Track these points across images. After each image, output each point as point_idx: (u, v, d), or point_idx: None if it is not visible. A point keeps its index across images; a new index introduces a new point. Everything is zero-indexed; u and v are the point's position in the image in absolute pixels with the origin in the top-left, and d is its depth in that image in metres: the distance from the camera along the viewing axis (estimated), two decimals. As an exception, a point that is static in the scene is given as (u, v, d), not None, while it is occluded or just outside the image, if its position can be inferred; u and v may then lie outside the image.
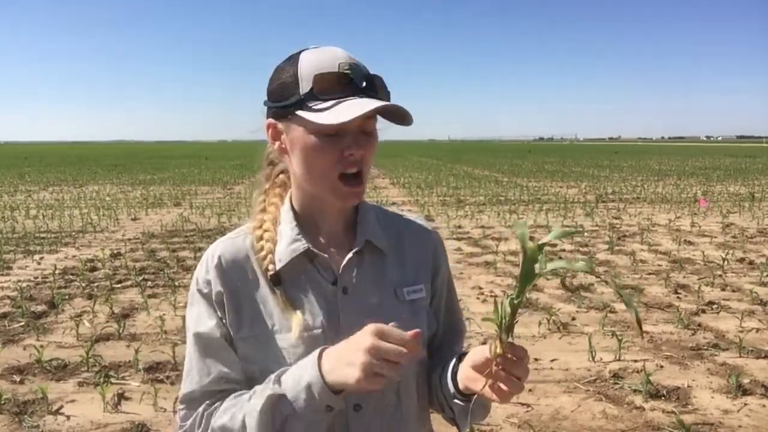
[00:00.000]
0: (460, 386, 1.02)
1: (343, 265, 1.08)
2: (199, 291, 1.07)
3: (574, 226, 10.01)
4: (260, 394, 0.98)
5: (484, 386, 0.94)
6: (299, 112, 0.99)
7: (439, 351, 1.17)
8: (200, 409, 1.03)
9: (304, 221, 1.10)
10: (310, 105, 0.98)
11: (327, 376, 0.92)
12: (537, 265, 0.95)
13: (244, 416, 0.97)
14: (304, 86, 0.99)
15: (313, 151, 1.00)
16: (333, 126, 0.96)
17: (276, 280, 1.05)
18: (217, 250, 1.09)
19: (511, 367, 0.93)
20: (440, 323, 1.20)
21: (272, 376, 0.99)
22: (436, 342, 1.19)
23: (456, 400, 1.06)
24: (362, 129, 1.01)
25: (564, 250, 8.01)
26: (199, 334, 1.06)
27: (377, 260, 1.12)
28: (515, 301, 0.93)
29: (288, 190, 1.14)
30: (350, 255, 1.08)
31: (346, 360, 0.89)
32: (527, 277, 0.93)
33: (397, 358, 0.88)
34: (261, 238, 1.09)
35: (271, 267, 1.05)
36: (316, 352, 0.95)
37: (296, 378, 0.94)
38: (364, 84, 0.99)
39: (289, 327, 1.03)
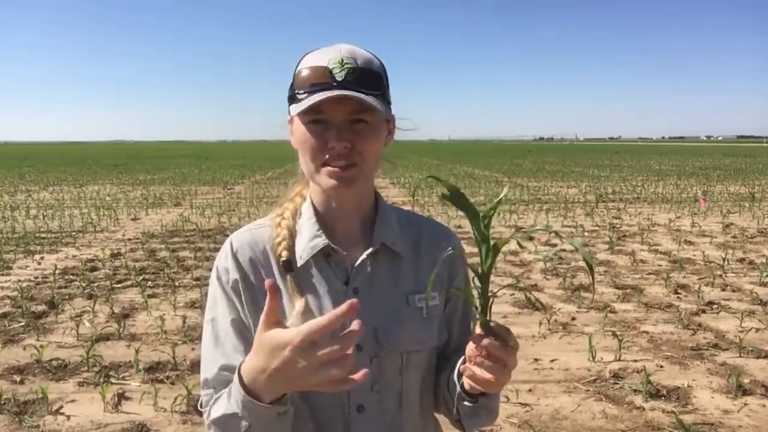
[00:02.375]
0: (465, 386, 1.01)
1: (356, 265, 1.08)
2: (218, 279, 1.08)
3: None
4: (223, 399, 0.97)
5: (472, 374, 0.93)
6: (291, 106, 1.03)
7: (451, 358, 1.15)
8: (211, 400, 1.03)
9: (321, 217, 1.10)
10: (297, 98, 1.01)
11: (260, 393, 0.88)
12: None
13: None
14: (293, 81, 1.04)
15: (304, 142, 1.03)
16: (308, 116, 1.00)
17: (287, 267, 1.06)
18: (236, 239, 1.10)
19: (493, 349, 0.91)
20: (454, 331, 1.18)
21: (234, 382, 0.96)
22: (449, 349, 1.17)
23: (464, 402, 1.04)
24: (354, 121, 1.01)
25: (564, 250, 8.01)
26: (214, 322, 1.07)
27: (392, 263, 1.11)
28: (482, 274, 0.90)
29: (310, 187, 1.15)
30: (364, 256, 1.08)
31: (305, 381, 0.83)
32: (483, 242, 0.90)
33: (346, 346, 0.81)
34: (279, 225, 1.10)
35: (284, 254, 1.06)
36: (237, 369, 0.92)
37: (234, 395, 0.92)
38: (344, 77, 0.98)
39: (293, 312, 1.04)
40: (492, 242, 0.90)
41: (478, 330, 0.92)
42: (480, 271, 0.90)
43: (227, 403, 0.94)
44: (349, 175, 1.01)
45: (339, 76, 0.98)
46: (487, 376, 0.91)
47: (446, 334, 1.16)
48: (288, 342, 0.82)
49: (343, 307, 0.81)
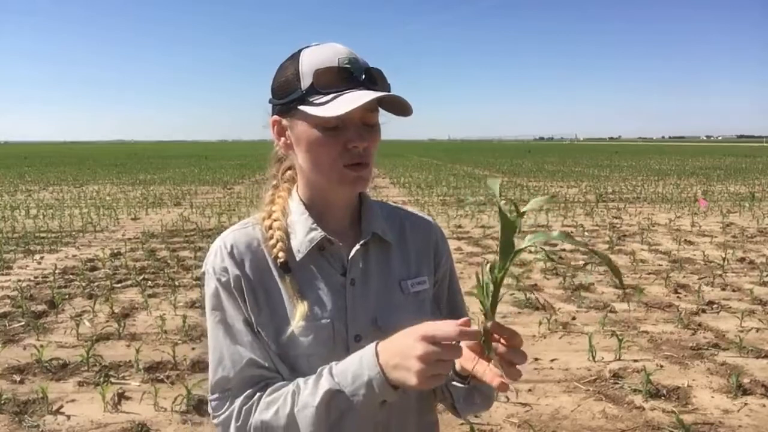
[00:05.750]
0: (457, 367, 1.04)
1: (351, 256, 1.09)
2: (218, 280, 1.07)
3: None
4: (312, 388, 0.97)
5: (480, 369, 0.94)
6: (301, 107, 1.01)
7: None
8: (237, 403, 1.02)
9: (312, 213, 1.12)
10: (311, 100, 1.00)
11: (388, 373, 0.93)
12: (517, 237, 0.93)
13: (292, 410, 0.97)
14: (305, 82, 1.01)
15: (318, 145, 1.02)
16: (334, 118, 0.98)
17: (286, 268, 1.06)
18: (228, 238, 1.10)
19: (507, 353, 0.93)
20: (442, 314, 1.21)
21: (323, 371, 0.99)
22: None
23: (455, 383, 1.07)
24: (365, 121, 1.02)
25: (564, 250, 8.01)
26: (226, 322, 1.06)
27: (383, 252, 1.14)
28: (498, 275, 0.91)
29: (295, 185, 1.15)
30: (358, 246, 1.10)
31: (404, 365, 0.90)
32: (507, 249, 0.91)
33: (450, 357, 0.89)
34: (270, 227, 1.10)
35: (281, 255, 1.06)
36: (373, 348, 0.96)
37: (355, 374, 0.95)
38: (363, 77, 1.01)
39: (295, 314, 1.05)
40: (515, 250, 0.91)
41: (487, 324, 0.94)
42: (496, 275, 0.92)
43: (328, 382, 0.96)
44: (365, 174, 1.05)
45: (359, 76, 1.00)
46: (501, 377, 0.93)
47: (438, 315, 1.19)
48: (416, 331, 0.91)
49: (469, 330, 0.90)
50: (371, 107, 1.01)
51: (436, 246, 1.21)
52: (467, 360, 0.98)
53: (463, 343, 0.97)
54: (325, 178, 1.06)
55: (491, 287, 0.92)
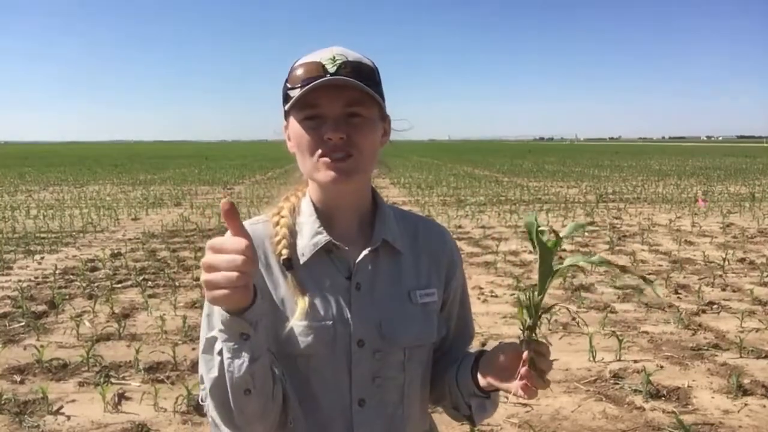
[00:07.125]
0: (482, 383, 1.06)
1: (358, 261, 1.09)
2: None
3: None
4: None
5: (516, 385, 0.99)
6: (286, 106, 1.04)
7: (448, 354, 1.19)
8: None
9: (321, 215, 1.11)
10: (290, 95, 1.02)
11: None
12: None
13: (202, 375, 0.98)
14: (286, 81, 1.05)
15: (300, 139, 1.03)
16: (305, 110, 1.01)
17: (288, 265, 1.06)
18: None
19: (537, 363, 0.98)
20: (450, 328, 1.21)
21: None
22: (445, 345, 1.20)
23: (475, 397, 1.10)
24: (348, 114, 1.01)
25: (564, 250, 8.00)
26: (210, 318, 1.05)
27: (393, 260, 1.13)
28: (537, 298, 0.96)
29: (308, 186, 1.15)
30: (366, 252, 1.09)
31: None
32: (546, 273, 0.95)
33: (227, 266, 0.83)
34: (277, 223, 1.10)
35: (284, 252, 1.06)
36: None
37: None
38: (335, 69, 0.99)
39: (296, 311, 1.04)
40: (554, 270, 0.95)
41: (524, 347, 1.00)
42: (537, 297, 0.96)
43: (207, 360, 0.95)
44: (347, 166, 1.02)
45: (331, 69, 0.99)
46: (533, 388, 0.99)
47: (444, 329, 1.18)
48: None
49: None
50: (351, 101, 1.00)
51: (449, 261, 1.19)
52: (497, 378, 1.04)
53: (493, 360, 1.05)
54: (308, 172, 1.06)
55: (532, 309, 0.97)
